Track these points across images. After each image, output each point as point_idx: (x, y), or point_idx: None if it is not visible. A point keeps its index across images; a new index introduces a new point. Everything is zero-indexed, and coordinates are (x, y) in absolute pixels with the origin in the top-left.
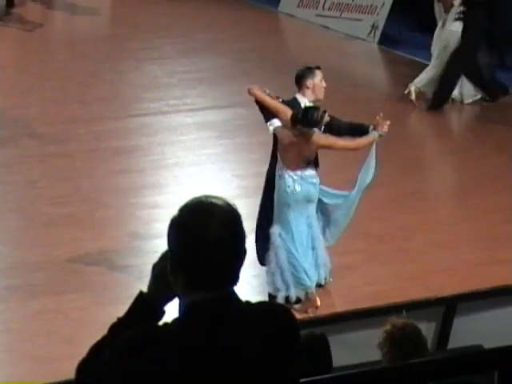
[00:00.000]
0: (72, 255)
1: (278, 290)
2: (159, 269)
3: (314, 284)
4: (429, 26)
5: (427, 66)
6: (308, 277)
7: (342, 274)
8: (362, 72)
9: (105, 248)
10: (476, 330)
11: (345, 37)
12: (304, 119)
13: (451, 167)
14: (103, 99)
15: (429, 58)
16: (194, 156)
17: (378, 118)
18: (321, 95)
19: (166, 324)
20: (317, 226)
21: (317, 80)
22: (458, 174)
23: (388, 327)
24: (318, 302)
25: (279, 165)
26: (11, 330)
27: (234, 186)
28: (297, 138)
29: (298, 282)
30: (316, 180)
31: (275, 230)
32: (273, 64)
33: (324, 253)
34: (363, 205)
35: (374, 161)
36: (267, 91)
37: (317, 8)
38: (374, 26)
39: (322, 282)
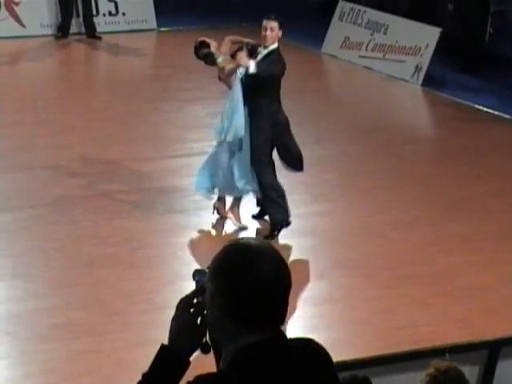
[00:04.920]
0: (114, 295)
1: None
2: (185, 319)
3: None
4: (473, 68)
5: (472, 108)
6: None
7: (384, 316)
8: (406, 113)
9: (146, 288)
10: None
11: (388, 78)
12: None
13: (495, 209)
14: (146, 139)
15: (474, 100)
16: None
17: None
18: (263, 41)
19: (216, 374)
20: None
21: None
22: (502, 216)
23: (431, 370)
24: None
25: None
26: (54, 370)
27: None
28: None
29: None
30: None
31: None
32: (315, 105)
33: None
34: (405, 247)
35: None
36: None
37: (360, 49)
38: (417, 68)
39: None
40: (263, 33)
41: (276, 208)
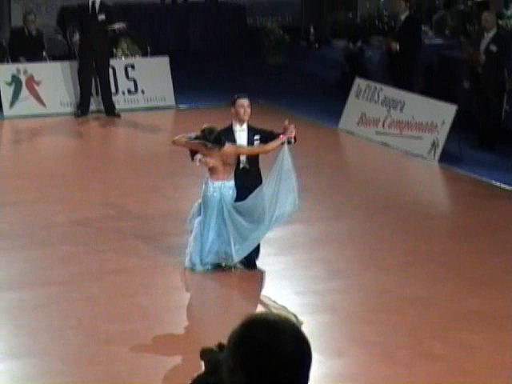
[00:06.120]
0: (131, 373)
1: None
2: None
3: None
4: (489, 145)
5: (489, 184)
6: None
7: None
8: (423, 189)
9: (165, 365)
10: None
11: (405, 154)
12: (211, 140)
13: None
14: (163, 215)
15: (491, 176)
16: (254, 273)
17: (285, 123)
18: (243, 117)
19: None
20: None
21: (236, 107)
22: None
23: None
24: None
25: (206, 177)
26: None
27: (294, 303)
28: (216, 157)
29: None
30: (233, 190)
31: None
32: (332, 180)
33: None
34: (424, 323)
35: (293, 178)
36: (193, 135)
37: (377, 126)
38: (434, 144)
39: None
40: (241, 110)
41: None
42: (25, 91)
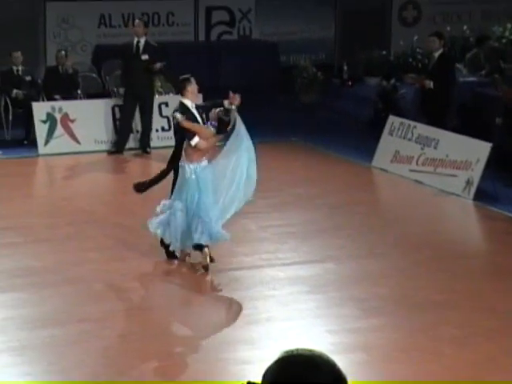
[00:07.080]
0: None
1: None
2: None
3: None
4: None
5: None
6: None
7: None
8: (457, 227)
9: None
10: None
11: (439, 192)
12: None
13: None
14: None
15: None
16: (286, 311)
17: (230, 93)
18: (198, 94)
19: None
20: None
21: (193, 85)
22: None
23: None
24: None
25: (183, 160)
26: None
27: (326, 341)
28: (209, 142)
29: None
30: (209, 168)
31: (177, 205)
32: (365, 218)
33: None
34: (459, 364)
35: (244, 130)
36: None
37: (410, 163)
38: (468, 182)
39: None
40: (196, 88)
41: None
42: (59, 129)
